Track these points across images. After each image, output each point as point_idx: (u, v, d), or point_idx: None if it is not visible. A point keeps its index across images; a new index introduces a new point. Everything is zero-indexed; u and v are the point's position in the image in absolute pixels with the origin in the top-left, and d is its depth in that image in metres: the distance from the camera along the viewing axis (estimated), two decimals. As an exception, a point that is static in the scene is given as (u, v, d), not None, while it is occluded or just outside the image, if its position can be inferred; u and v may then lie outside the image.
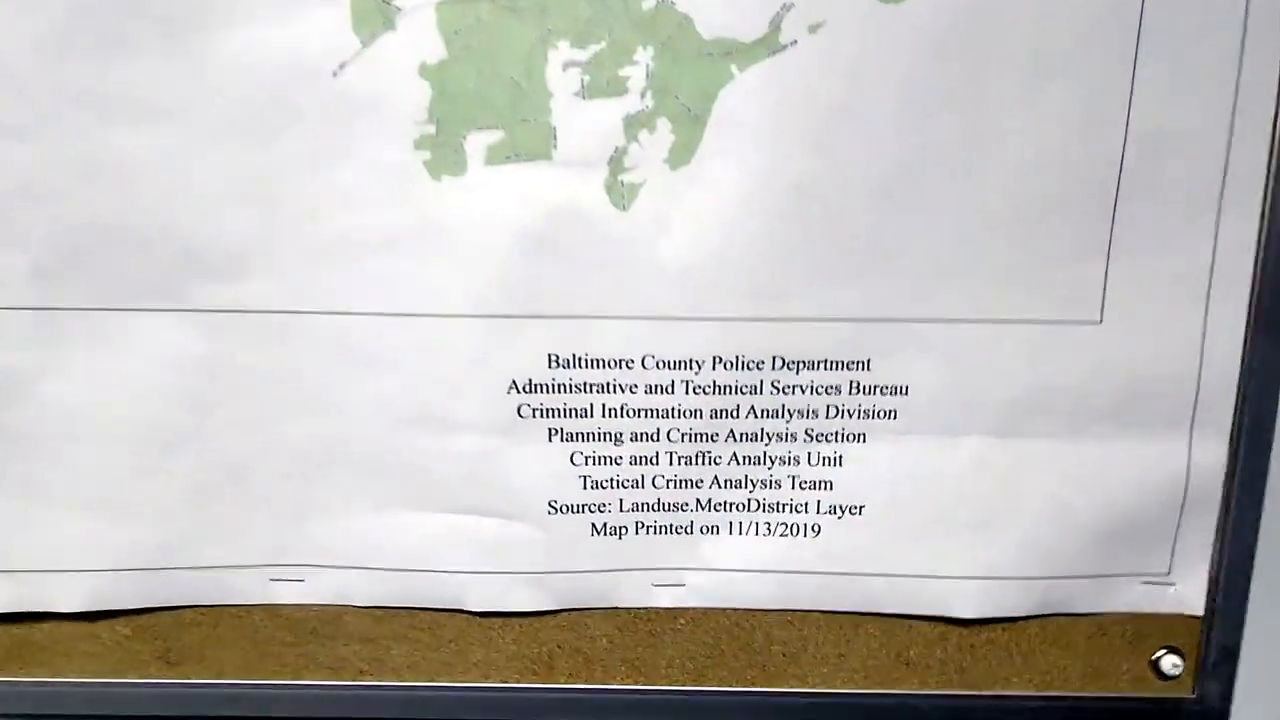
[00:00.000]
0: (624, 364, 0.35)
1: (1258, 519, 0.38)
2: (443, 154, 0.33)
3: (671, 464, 0.37)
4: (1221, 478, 0.37)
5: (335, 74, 0.32)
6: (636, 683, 0.40)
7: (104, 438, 0.36)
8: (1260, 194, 0.34)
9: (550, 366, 0.36)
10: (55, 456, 0.36)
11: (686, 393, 0.36)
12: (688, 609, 0.39)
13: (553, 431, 0.37)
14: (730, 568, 0.39)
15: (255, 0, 0.32)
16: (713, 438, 0.37)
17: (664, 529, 0.38)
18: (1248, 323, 0.36)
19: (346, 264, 0.34)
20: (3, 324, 0.35)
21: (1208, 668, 0.39)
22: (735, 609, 0.40)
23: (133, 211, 0.33)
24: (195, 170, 0.33)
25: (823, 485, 0.38)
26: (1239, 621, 0.39)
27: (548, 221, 0.34)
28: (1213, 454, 0.37)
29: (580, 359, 0.35)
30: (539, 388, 0.36)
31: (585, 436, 0.37)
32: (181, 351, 0.35)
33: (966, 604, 0.39)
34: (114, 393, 0.36)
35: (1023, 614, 0.39)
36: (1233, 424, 0.37)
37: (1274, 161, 0.34)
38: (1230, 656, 0.39)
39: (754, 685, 0.40)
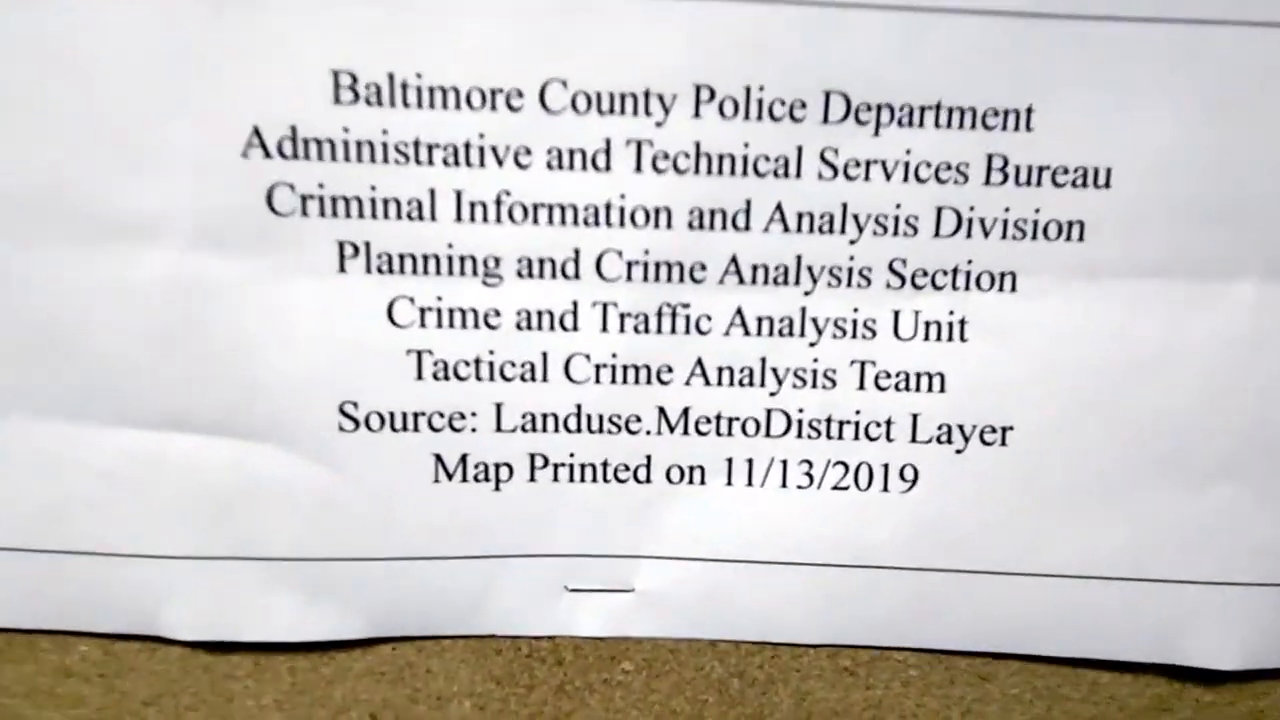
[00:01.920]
0: (500, 99, 0.15)
1: None
2: None
3: (606, 328, 0.17)
4: None
5: None
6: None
7: None
8: None
9: (338, 99, 0.15)
10: None
11: (638, 166, 0.16)
12: (638, 643, 0.19)
13: (348, 247, 0.16)
14: (725, 555, 0.18)
15: None
16: (695, 271, 0.16)
17: (591, 471, 0.18)
18: None
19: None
20: None
21: None
22: (734, 644, 0.19)
23: None
24: None
25: (923, 382, 0.17)
26: None
27: None
28: None
29: (403, 85, 0.15)
30: (314, 147, 0.16)
31: (420, 263, 0.16)
32: None
33: (1222, 642, 0.18)
34: None
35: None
36: None
37: None
38: None
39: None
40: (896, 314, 0.17)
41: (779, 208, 0.17)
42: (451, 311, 0.17)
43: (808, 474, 0.18)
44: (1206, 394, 0.18)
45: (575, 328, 0.17)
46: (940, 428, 0.18)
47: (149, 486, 0.18)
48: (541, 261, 0.17)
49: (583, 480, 0.18)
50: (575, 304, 0.17)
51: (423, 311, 0.17)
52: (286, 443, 0.17)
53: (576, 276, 0.17)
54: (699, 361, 0.18)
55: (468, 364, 0.17)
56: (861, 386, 0.18)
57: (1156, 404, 0.18)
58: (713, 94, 0.17)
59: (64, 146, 0.17)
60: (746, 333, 0.17)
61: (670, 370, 0.17)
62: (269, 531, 0.18)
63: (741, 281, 0.17)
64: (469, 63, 0.17)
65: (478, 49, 0.17)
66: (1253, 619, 0.19)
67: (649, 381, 0.18)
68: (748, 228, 0.17)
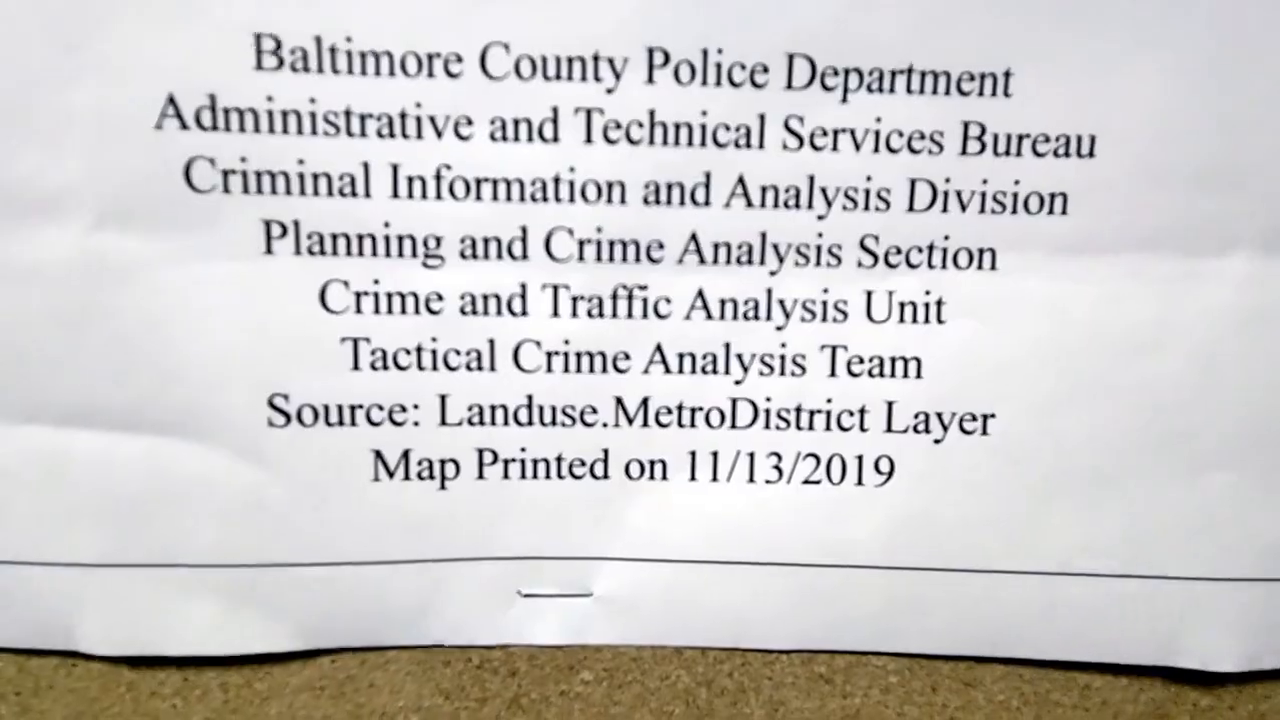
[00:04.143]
0: (438, 64, 0.14)
1: None
2: None
3: (558, 313, 0.15)
4: None
5: None
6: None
7: None
8: None
9: (260, 64, 0.13)
10: None
11: (588, 137, 0.14)
12: (598, 650, 0.17)
13: (274, 226, 0.14)
14: (689, 556, 0.16)
15: None
16: (652, 250, 0.15)
17: (544, 467, 0.16)
18: None
19: None
20: None
21: None
22: (701, 650, 0.17)
23: None
24: None
25: (898, 367, 0.16)
26: None
27: None
28: None
29: (332, 49, 0.13)
30: (235, 117, 0.14)
31: (354, 243, 0.14)
32: None
33: (1220, 643, 0.16)
34: None
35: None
36: None
37: None
38: None
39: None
40: (869, 295, 0.16)
41: (741, 181, 0.15)
42: (390, 295, 0.15)
43: (776, 467, 0.16)
44: (1201, 375, 0.16)
45: (524, 312, 0.15)
46: (917, 416, 0.16)
47: (55, 487, 0.16)
48: (486, 240, 0.15)
49: (535, 477, 0.16)
50: (524, 286, 0.15)
51: (358, 296, 0.15)
52: (208, 438, 0.15)
53: (524, 257, 0.15)
54: (658, 348, 0.16)
55: (408, 352, 0.15)
56: (833, 373, 0.16)
57: (1147, 387, 0.16)
58: (667, 58, 0.15)
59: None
60: (709, 316, 0.16)
61: (627, 357, 0.16)
62: (191, 535, 0.16)
63: (702, 261, 0.15)
64: (403, 25, 0.15)
65: (412, 9, 0.15)
66: (1254, 617, 0.17)
67: (604, 370, 0.16)
68: (708, 203, 0.15)
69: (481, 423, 0.16)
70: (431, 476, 0.16)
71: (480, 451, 0.16)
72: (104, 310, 0.15)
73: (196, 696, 0.17)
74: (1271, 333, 0.17)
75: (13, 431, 0.15)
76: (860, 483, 0.16)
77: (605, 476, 0.16)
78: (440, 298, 0.15)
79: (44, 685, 0.17)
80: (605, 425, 0.16)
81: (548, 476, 0.16)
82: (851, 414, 0.16)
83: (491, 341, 0.16)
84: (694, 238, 0.16)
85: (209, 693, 0.18)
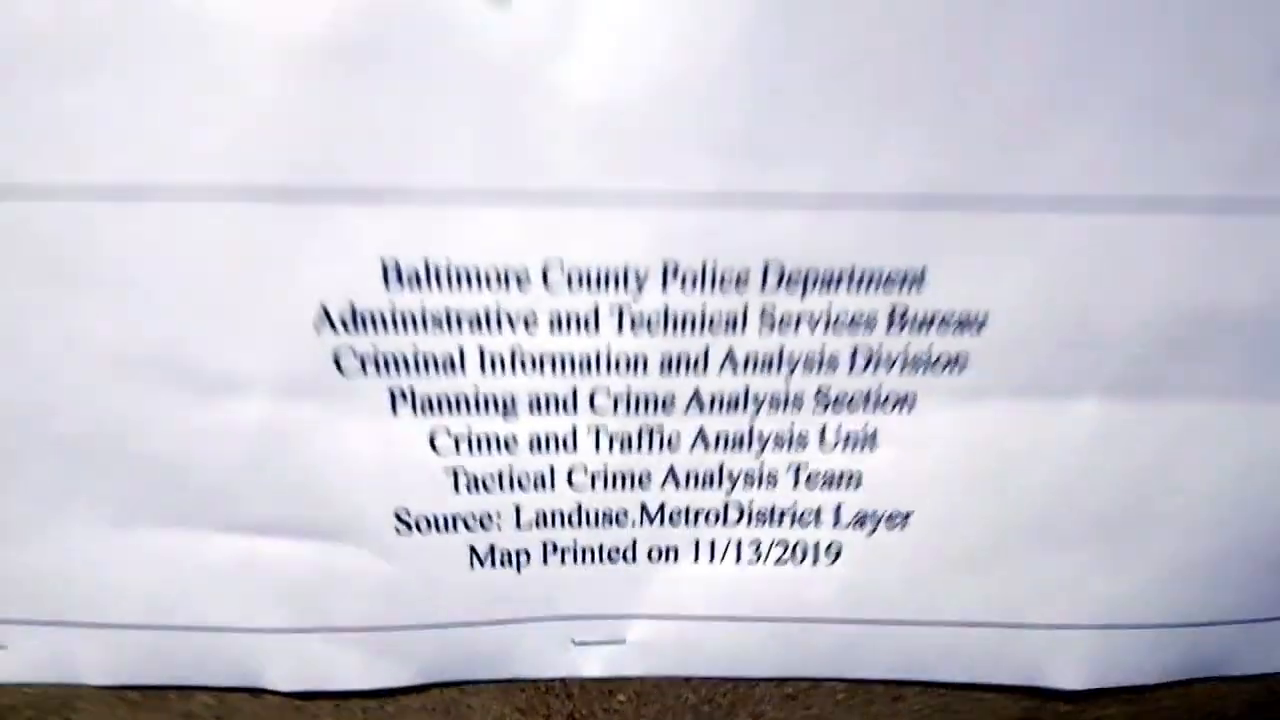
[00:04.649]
0: (511, 277, 0.18)
1: None
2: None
3: (599, 448, 0.19)
4: None
5: None
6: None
7: None
8: None
9: (387, 282, 0.18)
10: None
11: (620, 326, 0.18)
12: (629, 680, 0.22)
13: (398, 394, 0.19)
14: (696, 613, 0.21)
15: None
16: (666, 403, 0.19)
17: (590, 554, 0.20)
18: None
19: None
20: None
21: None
22: (704, 679, 0.22)
23: None
24: None
25: (844, 480, 0.20)
26: None
27: (371, 14, 0.15)
28: None
29: (437, 269, 0.18)
30: (369, 319, 0.18)
31: (454, 404, 0.19)
32: None
33: (1073, 668, 0.21)
34: None
35: (1156, 681, 0.22)
36: None
37: None
38: None
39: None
40: (823, 428, 0.19)
41: (730, 353, 0.19)
42: (479, 438, 0.19)
43: (756, 551, 0.20)
44: (1062, 483, 0.20)
45: (575, 448, 0.19)
46: (858, 515, 0.20)
47: (248, 576, 0.19)
48: (548, 399, 0.19)
49: (585, 562, 0.20)
50: (575, 429, 0.19)
51: (456, 440, 0.19)
52: (354, 542, 0.19)
53: (575, 410, 0.19)
54: (671, 470, 0.19)
55: (493, 478, 0.19)
56: (797, 485, 0.20)
57: (1025, 494, 0.20)
58: (677, 269, 0.19)
59: (175, 321, 0.17)
60: (707, 447, 0.19)
61: (649, 477, 0.19)
62: (344, 608, 0.20)
63: (703, 409, 0.19)
64: (486, 249, 0.19)
65: (493, 239, 0.20)
66: (1097, 651, 0.21)
67: (633, 487, 0.20)
68: (706, 370, 0.19)
69: (545, 525, 0.20)
70: (511, 563, 0.20)
71: (545, 544, 0.20)
72: (281, 456, 0.18)
73: (345, 717, 0.23)
74: (1115, 453, 0.20)
75: (217, 537, 0.19)
76: (816, 563, 0.20)
77: (634, 560, 0.20)
78: (515, 439, 0.19)
79: (235, 710, 0.21)
80: (634, 524, 0.20)
81: (593, 561, 0.20)
82: (810, 514, 0.20)
83: (552, 468, 0.19)
84: (697, 393, 0.19)
85: (354, 714, 0.21)
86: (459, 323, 0.18)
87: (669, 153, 0.17)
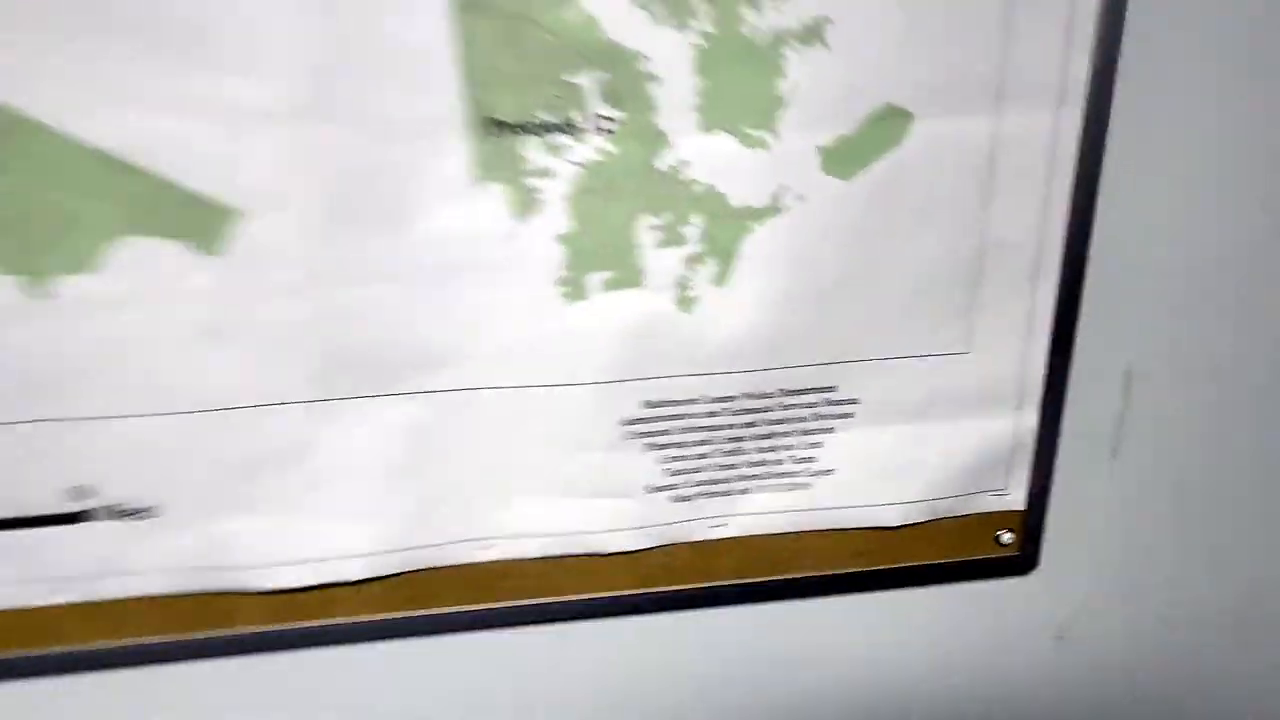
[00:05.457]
0: (689, 402, 0.48)
1: (1053, 456, 0.54)
2: (574, 288, 0.45)
3: (718, 456, 0.49)
4: (1034, 435, 0.53)
5: (504, 240, 0.43)
6: (708, 582, 0.53)
7: (359, 476, 0.46)
8: (1055, 280, 0.50)
9: (645, 407, 0.47)
10: (331, 489, 0.47)
11: (725, 415, 0.48)
12: (732, 538, 0.53)
13: (647, 444, 0.48)
14: (756, 511, 0.52)
15: (444, 195, 0.42)
16: (741, 439, 0.49)
17: (715, 494, 0.50)
18: (1049, 351, 0.51)
19: (515, 357, 0.46)
20: (289, 413, 0.45)
21: (1026, 537, 0.56)
22: (760, 534, 0.52)
23: (375, 337, 0.44)
24: (415, 307, 0.44)
25: (809, 460, 0.50)
26: (1043, 512, 0.56)
27: (641, 322, 0.46)
28: (1028, 422, 0.52)
29: (663, 401, 0.47)
30: (639, 420, 0.47)
31: (666, 445, 0.48)
32: (408, 420, 0.46)
33: (893, 517, 0.53)
34: (362, 453, 0.46)
35: (923, 519, 0.53)
36: (1040, 404, 0.52)
37: (1063, 255, 0.49)
38: (1038, 531, 0.56)
39: (772, 575, 0.54)
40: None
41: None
42: None
43: (779, 487, 0.52)
44: None
45: None
46: (816, 473, 0.52)
47: None
48: None
49: (712, 498, 0.51)
50: None
51: None
52: None
53: None
54: None
55: None
56: None
57: None
58: None
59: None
60: None
61: None
62: None
63: None
64: None
65: None
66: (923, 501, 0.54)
67: None
68: None
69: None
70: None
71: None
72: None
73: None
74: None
75: None
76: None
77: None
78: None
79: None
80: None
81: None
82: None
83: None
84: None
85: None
86: (669, 418, 0.49)
87: (745, 358, 0.48)
